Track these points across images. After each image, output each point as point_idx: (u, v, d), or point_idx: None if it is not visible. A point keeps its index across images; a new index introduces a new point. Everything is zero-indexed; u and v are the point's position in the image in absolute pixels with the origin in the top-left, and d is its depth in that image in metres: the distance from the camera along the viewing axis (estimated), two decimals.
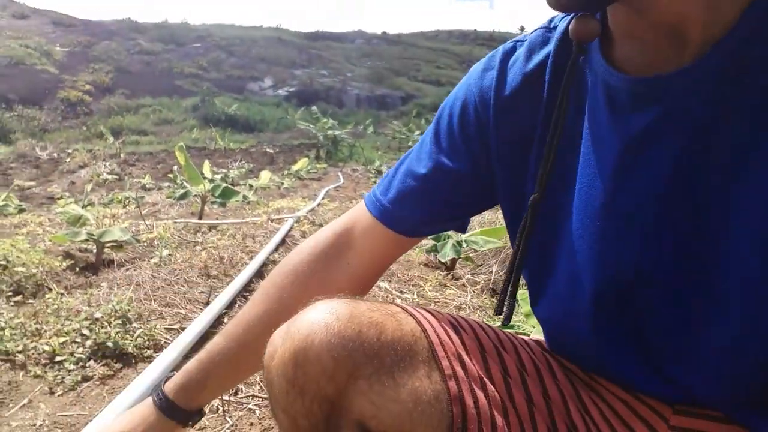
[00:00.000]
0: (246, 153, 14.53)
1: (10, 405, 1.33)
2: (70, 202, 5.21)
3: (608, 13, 0.52)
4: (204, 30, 37.12)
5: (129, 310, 1.78)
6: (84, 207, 4.43)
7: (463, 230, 0.79)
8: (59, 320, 1.72)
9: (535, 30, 0.64)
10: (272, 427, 1.27)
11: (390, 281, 2.47)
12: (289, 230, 3.64)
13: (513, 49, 0.65)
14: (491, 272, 2.70)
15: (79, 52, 26.80)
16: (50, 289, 2.12)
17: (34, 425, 1.24)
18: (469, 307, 2.22)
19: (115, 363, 1.55)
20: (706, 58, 0.45)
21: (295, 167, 10.85)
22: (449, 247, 2.61)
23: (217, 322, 1.82)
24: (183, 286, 2.24)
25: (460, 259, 2.80)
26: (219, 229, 3.72)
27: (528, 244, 0.59)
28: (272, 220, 3.97)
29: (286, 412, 0.53)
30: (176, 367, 1.16)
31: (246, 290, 2.22)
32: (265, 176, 7.93)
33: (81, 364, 1.52)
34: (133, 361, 1.59)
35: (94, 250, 2.76)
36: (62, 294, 2.03)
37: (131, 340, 1.63)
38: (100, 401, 1.37)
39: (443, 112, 0.71)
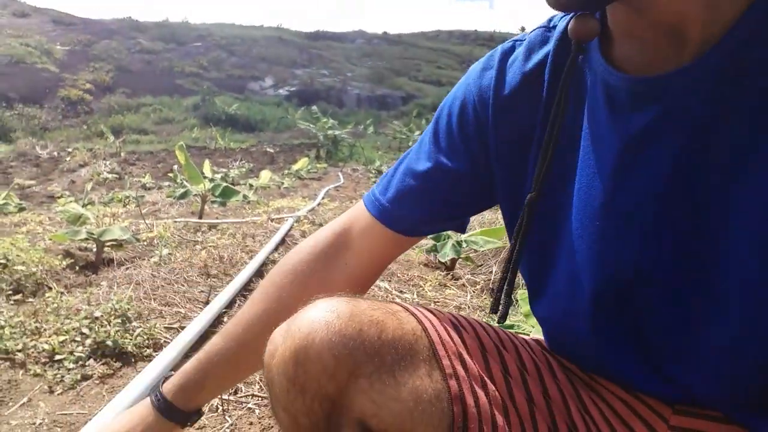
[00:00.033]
0: (246, 152, 14.51)
1: (10, 403, 1.33)
2: (70, 201, 5.19)
3: (607, 13, 0.52)
4: (205, 29, 37.05)
5: (129, 309, 1.78)
6: (84, 206, 4.43)
7: (463, 230, 0.79)
8: (59, 319, 1.72)
9: (534, 29, 0.63)
10: (272, 426, 1.27)
11: (390, 281, 2.47)
12: (289, 230, 3.64)
13: (512, 49, 0.65)
14: (491, 272, 2.70)
15: (80, 51, 26.74)
16: (50, 288, 2.12)
17: (34, 424, 1.25)
18: (468, 307, 2.22)
19: (115, 362, 1.55)
20: (706, 57, 0.45)
21: (295, 167, 10.84)
22: (449, 247, 2.61)
23: (216, 322, 1.82)
24: (183, 286, 2.24)
25: (460, 259, 2.80)
26: (219, 229, 3.72)
27: (525, 243, 0.59)
28: (272, 220, 3.97)
29: (286, 410, 0.53)
30: (176, 367, 1.16)
31: (246, 290, 2.22)
32: (266, 176, 7.92)
33: (81, 362, 1.52)
34: (133, 360, 1.59)
35: (94, 249, 2.76)
36: (62, 293, 2.03)
37: (131, 339, 1.63)
38: (100, 400, 1.37)
39: (442, 111, 0.71)
